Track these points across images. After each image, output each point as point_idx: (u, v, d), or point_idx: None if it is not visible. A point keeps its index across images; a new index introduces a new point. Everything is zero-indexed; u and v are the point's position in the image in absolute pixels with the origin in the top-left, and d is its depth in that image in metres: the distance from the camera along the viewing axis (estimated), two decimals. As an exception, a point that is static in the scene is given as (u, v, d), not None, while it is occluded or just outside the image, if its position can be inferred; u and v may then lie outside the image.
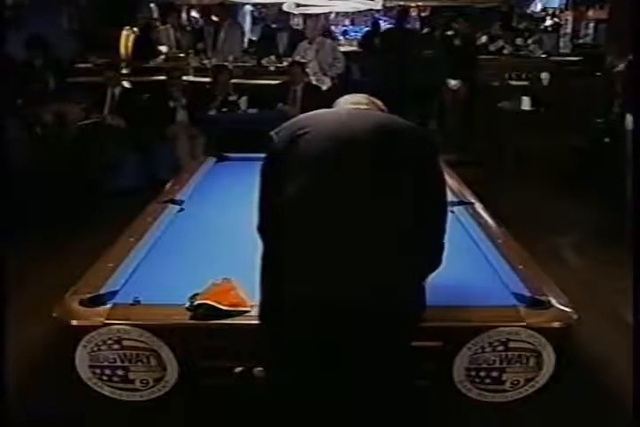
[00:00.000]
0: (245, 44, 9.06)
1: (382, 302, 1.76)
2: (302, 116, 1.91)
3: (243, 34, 8.75)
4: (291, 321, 1.81)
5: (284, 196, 1.78)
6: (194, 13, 11.85)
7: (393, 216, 1.76)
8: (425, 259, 1.87)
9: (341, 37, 12.91)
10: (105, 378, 2.06)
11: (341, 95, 2.15)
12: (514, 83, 7.92)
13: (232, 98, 6.47)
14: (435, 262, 1.90)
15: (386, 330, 1.79)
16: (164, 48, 8.62)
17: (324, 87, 7.21)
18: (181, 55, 8.41)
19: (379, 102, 2.08)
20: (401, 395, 1.92)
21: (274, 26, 10.90)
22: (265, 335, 1.91)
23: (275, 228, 1.82)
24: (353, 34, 13.27)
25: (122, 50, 8.33)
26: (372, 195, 1.77)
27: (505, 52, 9.36)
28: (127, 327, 2.02)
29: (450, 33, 8.07)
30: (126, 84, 6.40)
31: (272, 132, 1.88)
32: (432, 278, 2.00)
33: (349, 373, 1.82)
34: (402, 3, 13.44)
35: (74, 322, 2.05)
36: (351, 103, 2.03)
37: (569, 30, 11.88)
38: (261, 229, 1.91)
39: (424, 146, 1.85)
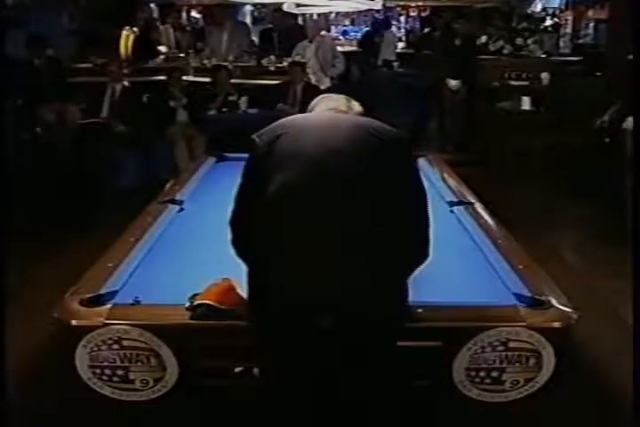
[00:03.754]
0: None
1: (364, 301, 1.78)
2: (283, 120, 1.96)
3: (249, 31, 8.73)
4: (274, 321, 1.84)
5: (264, 195, 1.81)
6: (194, 13, 11.86)
7: (370, 213, 1.78)
8: (410, 253, 1.88)
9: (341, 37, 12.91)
10: (105, 378, 2.06)
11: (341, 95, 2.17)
12: (514, 83, 7.92)
13: (232, 98, 6.47)
14: (421, 256, 1.90)
15: (369, 328, 1.81)
16: (163, 48, 8.62)
17: (324, 87, 7.21)
18: (181, 55, 8.41)
19: (356, 106, 2.12)
20: (391, 393, 1.94)
21: (269, 26, 10.86)
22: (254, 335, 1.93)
23: (254, 229, 1.84)
24: (353, 34, 13.25)
25: (122, 50, 8.32)
26: (350, 193, 1.78)
27: (505, 52, 9.35)
28: (127, 327, 2.02)
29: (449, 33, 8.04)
30: (126, 83, 6.39)
31: (254, 136, 1.92)
32: (432, 278, 1.99)
33: (336, 373, 1.86)
34: (402, 3, 13.47)
35: (74, 322, 2.06)
36: (330, 107, 2.08)
37: (569, 30, 11.88)
38: (232, 223, 1.91)
39: (399, 145, 1.88)
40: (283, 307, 1.80)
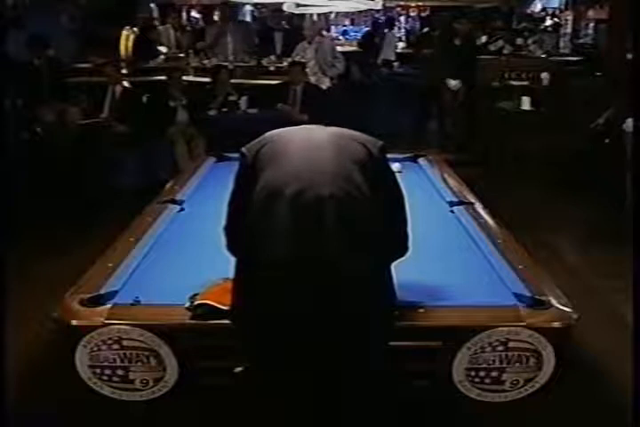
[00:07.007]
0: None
1: (357, 300, 1.82)
2: (269, 132, 2.07)
3: (250, 30, 8.71)
4: (263, 321, 1.86)
5: (253, 200, 1.88)
6: (194, 13, 11.86)
7: (356, 214, 1.85)
8: (393, 249, 1.99)
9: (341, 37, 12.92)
10: (105, 378, 2.06)
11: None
12: (514, 83, 7.91)
13: (232, 98, 6.47)
14: (403, 251, 2.01)
15: (362, 325, 1.84)
16: (163, 48, 8.61)
17: (324, 87, 7.21)
18: (181, 55, 8.41)
19: None
20: (380, 388, 1.96)
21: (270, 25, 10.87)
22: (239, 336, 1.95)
23: (246, 233, 1.89)
24: (353, 34, 13.25)
25: (122, 50, 8.32)
26: (333, 192, 1.83)
27: (505, 52, 9.35)
28: (127, 327, 2.02)
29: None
30: (126, 83, 6.39)
31: (243, 148, 2.01)
32: (432, 278, 1.99)
33: (330, 374, 1.88)
34: (402, 3, 13.48)
35: (74, 322, 2.06)
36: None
37: (569, 30, 11.88)
38: (226, 228, 2.01)
39: (378, 151, 1.98)
40: (276, 307, 1.82)
